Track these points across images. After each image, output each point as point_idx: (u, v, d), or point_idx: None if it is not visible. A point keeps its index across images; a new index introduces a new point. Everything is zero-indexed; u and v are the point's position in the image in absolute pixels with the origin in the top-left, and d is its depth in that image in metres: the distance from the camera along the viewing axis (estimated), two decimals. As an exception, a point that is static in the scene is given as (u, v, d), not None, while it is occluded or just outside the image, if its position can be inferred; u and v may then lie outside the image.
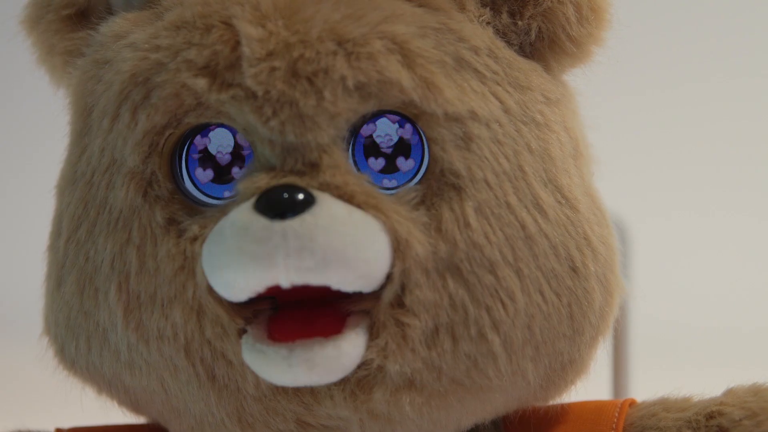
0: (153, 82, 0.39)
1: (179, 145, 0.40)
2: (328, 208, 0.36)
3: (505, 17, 0.42)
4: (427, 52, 0.39)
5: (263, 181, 0.37)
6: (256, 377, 0.38)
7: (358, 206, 0.37)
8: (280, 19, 0.38)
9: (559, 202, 0.40)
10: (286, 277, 0.36)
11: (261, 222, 0.36)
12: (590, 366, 0.43)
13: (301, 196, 0.36)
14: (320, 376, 0.37)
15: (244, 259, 0.36)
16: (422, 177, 0.39)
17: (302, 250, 0.35)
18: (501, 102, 0.40)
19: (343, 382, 0.38)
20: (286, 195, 0.36)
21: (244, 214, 0.36)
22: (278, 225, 0.35)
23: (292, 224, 0.35)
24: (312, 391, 0.39)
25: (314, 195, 0.36)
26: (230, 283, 0.37)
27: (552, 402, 0.43)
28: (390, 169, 0.39)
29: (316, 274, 0.36)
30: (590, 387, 0.44)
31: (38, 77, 0.47)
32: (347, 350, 0.37)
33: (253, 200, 0.36)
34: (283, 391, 0.39)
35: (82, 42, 0.43)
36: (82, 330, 0.41)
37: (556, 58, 0.43)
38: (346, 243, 0.36)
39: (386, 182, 0.39)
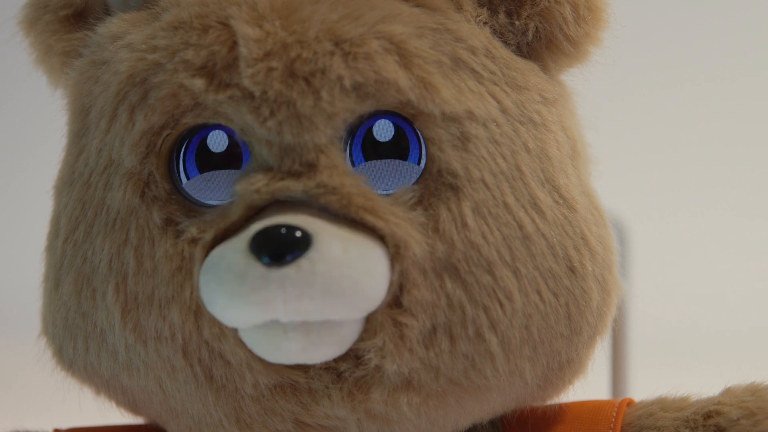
0: (150, 83, 0.39)
1: (177, 146, 0.40)
2: (325, 250, 0.36)
3: (502, 17, 0.42)
4: (424, 52, 0.39)
5: (261, 182, 0.38)
6: (254, 377, 0.38)
7: (356, 211, 0.37)
8: (278, 19, 0.39)
9: (557, 201, 0.40)
10: (285, 317, 0.36)
11: (257, 271, 0.36)
12: (588, 366, 0.43)
13: (298, 234, 0.36)
14: (315, 347, 0.37)
15: (243, 302, 0.36)
16: (420, 177, 0.39)
17: (301, 297, 0.35)
18: (498, 102, 0.40)
19: (341, 381, 0.38)
20: (282, 235, 0.36)
21: (239, 257, 0.36)
22: (275, 274, 0.35)
23: (289, 273, 0.35)
24: (310, 391, 0.39)
25: (310, 234, 0.36)
26: (229, 319, 0.37)
27: (550, 402, 0.43)
28: None
29: (315, 315, 0.36)
30: (588, 387, 0.44)
31: (36, 78, 0.47)
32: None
33: (247, 241, 0.36)
34: (281, 390, 0.39)
35: (79, 43, 0.43)
36: (80, 330, 0.41)
37: (554, 57, 0.43)
38: (344, 286, 0.36)
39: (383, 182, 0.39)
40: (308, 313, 0.36)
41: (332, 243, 0.36)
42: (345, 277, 0.36)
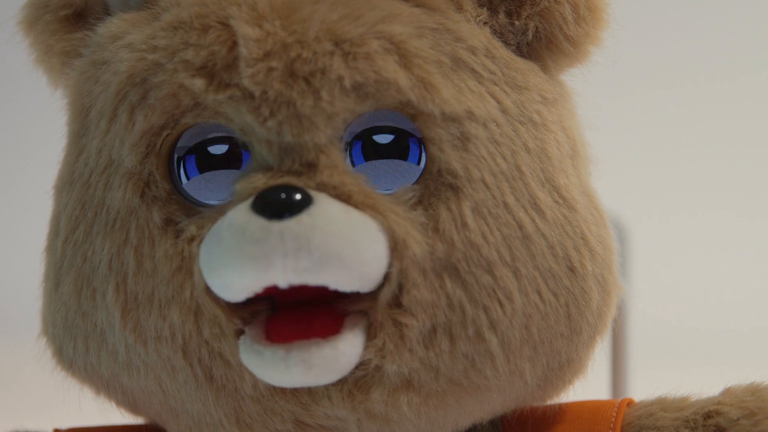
0: (150, 83, 0.39)
1: (177, 146, 0.40)
2: (325, 209, 0.36)
3: (502, 17, 0.42)
4: (424, 52, 0.39)
5: (260, 181, 0.38)
6: (254, 377, 0.38)
7: (356, 206, 0.37)
8: (278, 19, 0.38)
9: (557, 201, 0.40)
10: (284, 278, 0.36)
11: (258, 223, 0.36)
12: (588, 366, 0.43)
13: (298, 196, 0.36)
14: (317, 377, 0.37)
15: (241, 259, 0.36)
16: (419, 177, 0.39)
17: (299, 251, 0.35)
18: (498, 102, 0.40)
19: (341, 382, 0.38)
20: (283, 195, 0.36)
21: (241, 214, 0.36)
22: (275, 226, 0.35)
23: (289, 225, 0.35)
24: (310, 391, 0.39)
25: (311, 195, 0.36)
26: (228, 284, 0.37)
27: (550, 402, 0.43)
28: None
29: (313, 275, 0.36)
30: (588, 387, 0.44)
31: (36, 78, 0.47)
32: (345, 351, 0.37)
33: (250, 201, 0.36)
34: (281, 391, 0.39)
35: (79, 43, 0.43)
36: (80, 330, 0.41)
37: (554, 57, 0.43)
38: (343, 244, 0.36)
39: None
40: (306, 272, 0.36)
41: (333, 204, 0.36)
42: (344, 236, 0.36)
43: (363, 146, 0.39)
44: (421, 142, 0.39)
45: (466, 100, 0.39)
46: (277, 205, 0.36)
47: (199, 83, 0.38)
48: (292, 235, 0.35)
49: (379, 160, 0.39)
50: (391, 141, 0.39)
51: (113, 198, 0.40)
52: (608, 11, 0.43)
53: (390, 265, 0.37)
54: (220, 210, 0.38)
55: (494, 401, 0.40)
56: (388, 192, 0.38)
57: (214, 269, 0.37)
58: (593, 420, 0.43)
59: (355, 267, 0.36)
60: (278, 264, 0.35)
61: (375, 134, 0.39)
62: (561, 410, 0.44)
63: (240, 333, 0.38)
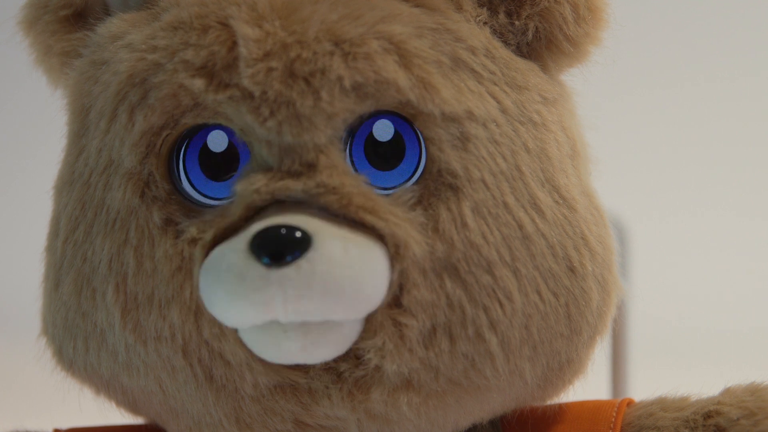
0: (150, 83, 0.39)
1: (177, 146, 0.40)
2: (325, 250, 0.36)
3: (502, 17, 0.42)
4: (423, 52, 0.39)
5: (260, 182, 0.38)
6: (254, 377, 0.38)
7: (356, 212, 0.37)
8: (277, 19, 0.39)
9: (557, 201, 0.40)
10: (285, 318, 0.36)
11: (257, 270, 0.36)
12: (588, 366, 0.43)
13: (298, 234, 0.36)
14: (316, 346, 0.37)
15: (242, 302, 0.36)
16: (419, 177, 0.39)
17: (300, 298, 0.35)
18: (498, 102, 0.40)
19: (341, 381, 0.38)
20: (282, 235, 0.36)
21: (239, 258, 0.36)
22: (275, 274, 0.35)
23: (289, 273, 0.35)
24: (310, 391, 0.39)
25: (310, 234, 0.36)
26: (229, 320, 0.37)
27: (550, 402, 0.43)
28: (387, 169, 0.39)
29: (315, 315, 0.36)
30: (588, 387, 0.44)
31: (36, 78, 0.47)
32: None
33: (247, 240, 0.36)
34: (281, 391, 0.39)
35: (79, 43, 0.43)
36: (80, 330, 0.41)
37: (554, 57, 0.43)
38: (344, 286, 0.36)
39: (383, 182, 0.39)
40: (308, 314, 0.36)
41: (332, 243, 0.36)
42: (345, 278, 0.36)
43: (363, 145, 0.39)
44: (419, 133, 0.39)
45: (466, 100, 0.39)
46: (275, 252, 0.36)
47: (198, 83, 0.38)
48: (291, 284, 0.35)
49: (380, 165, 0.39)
50: (391, 138, 0.39)
51: (113, 198, 0.40)
52: (608, 11, 0.43)
53: (391, 267, 0.37)
54: (221, 212, 0.38)
55: (494, 401, 0.40)
56: (387, 192, 0.38)
57: (215, 305, 0.37)
58: (593, 420, 0.43)
59: (357, 304, 0.37)
60: (279, 308, 0.36)
61: (375, 121, 0.39)
62: (561, 410, 0.44)
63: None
